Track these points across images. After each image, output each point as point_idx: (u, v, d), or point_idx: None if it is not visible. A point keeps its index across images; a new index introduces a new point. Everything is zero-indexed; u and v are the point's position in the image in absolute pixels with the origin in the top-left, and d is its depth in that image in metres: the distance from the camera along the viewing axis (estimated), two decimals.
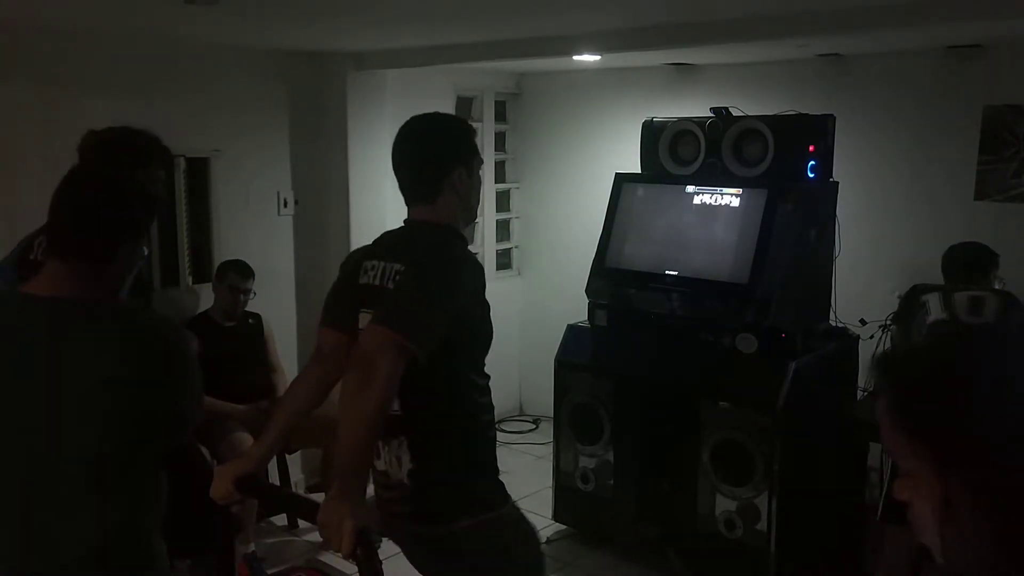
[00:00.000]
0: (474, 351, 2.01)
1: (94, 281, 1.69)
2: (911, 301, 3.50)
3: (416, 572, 2.16)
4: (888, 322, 3.91)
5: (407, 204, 2.06)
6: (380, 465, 2.01)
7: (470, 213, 2.10)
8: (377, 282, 1.99)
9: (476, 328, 1.99)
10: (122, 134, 2.57)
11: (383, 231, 2.18)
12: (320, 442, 4.01)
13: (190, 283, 4.09)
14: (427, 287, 1.89)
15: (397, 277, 1.93)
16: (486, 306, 1.99)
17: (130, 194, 1.77)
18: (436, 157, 2.01)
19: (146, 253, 1.90)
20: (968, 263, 3.47)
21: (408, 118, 2.09)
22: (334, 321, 2.07)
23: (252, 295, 3.98)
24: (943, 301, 3.36)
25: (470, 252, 2.04)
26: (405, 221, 2.08)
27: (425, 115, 2.09)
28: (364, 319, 1.99)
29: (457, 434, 2.01)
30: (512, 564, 2.08)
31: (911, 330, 3.48)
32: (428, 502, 1.99)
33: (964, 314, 3.30)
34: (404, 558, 2.15)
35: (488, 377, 2.05)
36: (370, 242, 2.16)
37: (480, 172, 2.10)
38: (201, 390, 1.82)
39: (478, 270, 1.99)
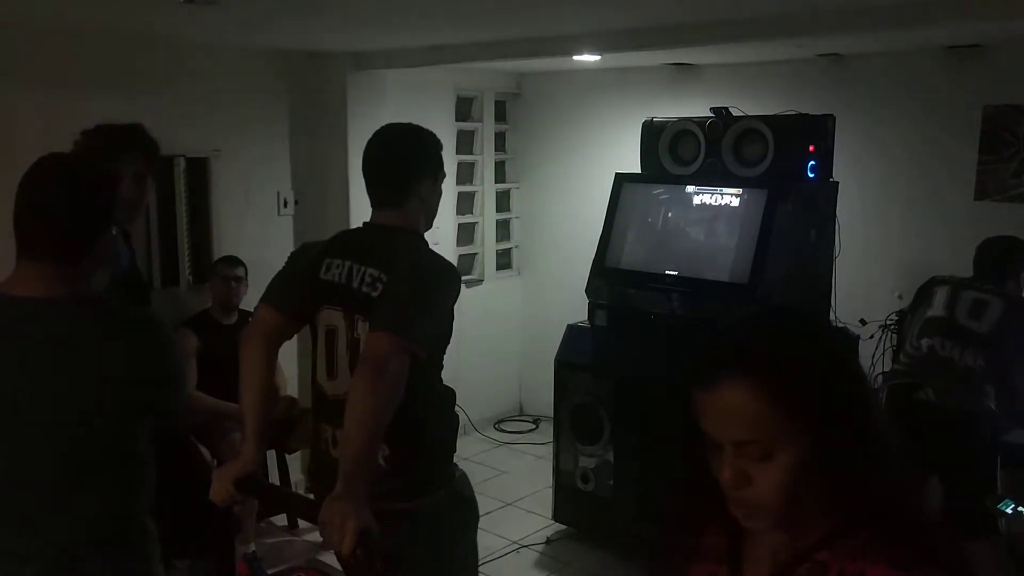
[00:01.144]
0: (439, 351, 2.11)
1: (74, 276, 1.72)
2: (924, 291, 3.48)
3: None
4: (888, 322, 3.92)
5: (373, 207, 2.16)
6: None
7: (430, 222, 2.22)
8: (344, 281, 2.06)
9: (445, 332, 2.10)
10: (103, 128, 2.59)
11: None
12: None
13: (190, 282, 4.09)
14: (420, 295, 1.97)
15: (379, 286, 2.00)
16: (452, 312, 2.10)
17: (101, 188, 1.78)
18: (407, 166, 2.13)
19: (114, 232, 1.94)
20: (996, 257, 3.41)
21: (380, 126, 2.20)
22: (278, 302, 2.13)
23: (245, 284, 3.98)
24: (948, 297, 3.34)
25: (444, 258, 2.14)
26: (368, 224, 2.17)
27: (399, 125, 2.21)
28: (327, 314, 2.09)
29: (425, 422, 2.08)
30: (472, 513, 2.23)
31: (912, 320, 3.47)
32: (405, 481, 2.05)
33: (963, 315, 3.29)
34: None
35: (442, 367, 2.16)
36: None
37: (442, 185, 2.22)
38: (185, 380, 1.88)
39: (456, 278, 2.11)
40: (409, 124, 2.20)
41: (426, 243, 2.15)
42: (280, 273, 2.20)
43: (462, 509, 2.19)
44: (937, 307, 3.35)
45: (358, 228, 2.21)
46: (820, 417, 0.98)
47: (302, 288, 2.12)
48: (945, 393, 3.20)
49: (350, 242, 2.17)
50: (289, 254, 2.26)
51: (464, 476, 2.24)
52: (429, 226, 2.21)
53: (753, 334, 1.07)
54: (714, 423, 1.01)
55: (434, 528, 2.08)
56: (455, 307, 2.10)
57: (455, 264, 2.25)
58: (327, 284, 2.08)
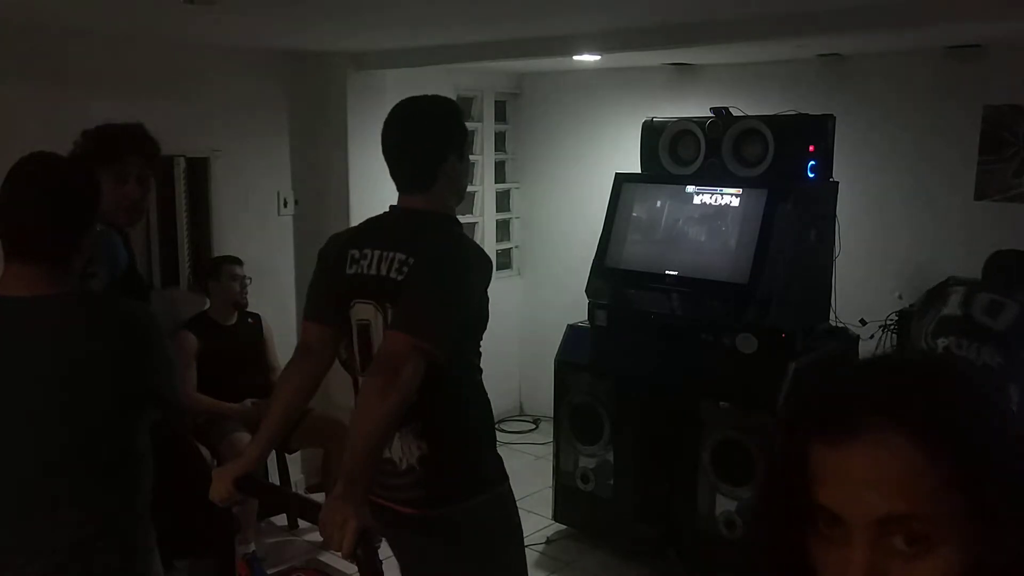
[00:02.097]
0: (477, 336, 2.05)
1: (62, 274, 1.73)
2: (939, 291, 3.46)
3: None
4: (888, 322, 3.91)
5: (399, 191, 2.05)
6: (385, 454, 1.98)
7: (461, 196, 2.12)
8: (373, 271, 1.97)
9: (482, 315, 2.03)
10: (105, 129, 2.59)
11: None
12: (320, 442, 4.01)
13: (190, 283, 4.09)
14: (444, 288, 1.90)
15: (405, 269, 1.92)
16: (486, 294, 2.03)
17: (83, 185, 1.78)
18: (431, 146, 2.01)
19: (99, 228, 1.95)
20: (1003, 267, 3.39)
21: (398, 101, 2.07)
22: (318, 314, 2.09)
23: (249, 280, 3.99)
24: (964, 297, 3.32)
25: (474, 242, 2.06)
26: (395, 208, 2.07)
27: (415, 100, 2.07)
28: (359, 308, 2.01)
29: (464, 416, 2.04)
30: (516, 539, 2.13)
31: (924, 321, 3.44)
32: (442, 484, 2.00)
33: (980, 314, 3.25)
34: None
35: (481, 355, 2.09)
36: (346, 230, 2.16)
37: (469, 153, 2.10)
38: (175, 370, 1.89)
39: (486, 262, 2.01)
40: (424, 99, 2.06)
41: (458, 225, 2.06)
42: (312, 281, 2.13)
43: (498, 519, 2.08)
44: (952, 306, 3.32)
45: (385, 213, 2.10)
46: (1002, 493, 0.69)
47: (332, 290, 2.05)
48: None
49: (376, 229, 2.07)
50: (318, 252, 2.16)
51: (511, 493, 2.11)
52: (461, 200, 2.12)
53: (907, 374, 0.77)
54: (848, 491, 0.71)
55: (475, 537, 2.02)
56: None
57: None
58: (355, 278, 2.00)
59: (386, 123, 2.04)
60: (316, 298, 2.10)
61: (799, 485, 0.74)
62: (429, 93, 2.11)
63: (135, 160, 2.59)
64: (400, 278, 1.92)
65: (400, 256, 1.93)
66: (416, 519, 2.01)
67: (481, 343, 2.08)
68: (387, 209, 2.10)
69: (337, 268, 2.04)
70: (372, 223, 2.12)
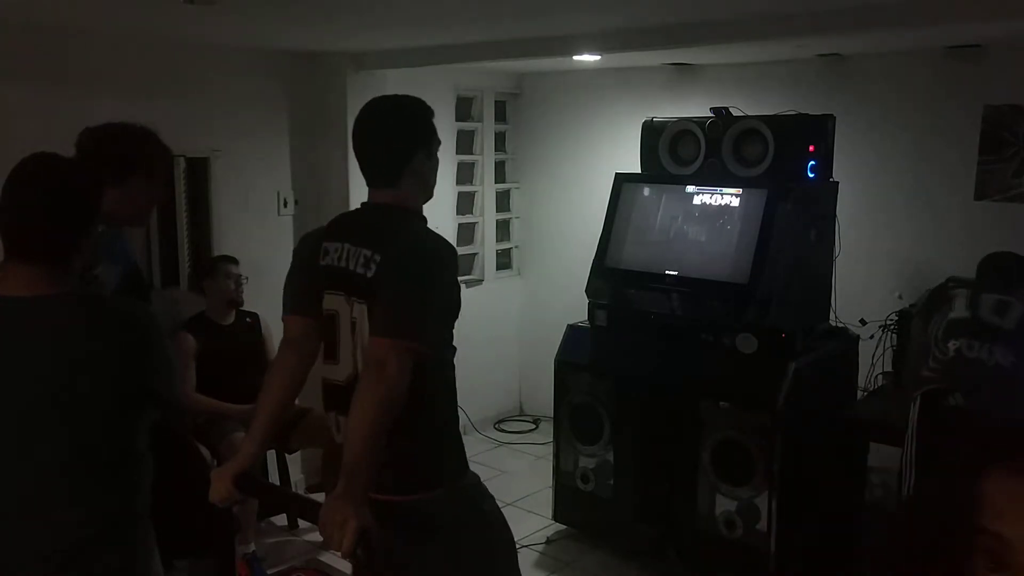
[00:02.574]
0: (448, 328, 2.08)
1: (63, 275, 1.73)
2: (941, 293, 3.44)
3: None
4: (888, 322, 3.91)
5: (368, 186, 2.11)
6: None
7: (428, 193, 2.16)
8: (343, 264, 2.02)
9: (453, 307, 2.06)
10: (115, 131, 2.58)
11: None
12: (320, 442, 4.01)
13: (190, 283, 4.09)
14: (415, 286, 1.94)
15: (373, 266, 1.96)
16: (457, 284, 2.07)
17: (86, 187, 1.79)
18: (398, 143, 2.06)
19: (100, 230, 1.96)
20: (1000, 268, 3.37)
21: (368, 100, 2.13)
22: (298, 307, 2.13)
23: (245, 279, 3.99)
24: (969, 299, 3.31)
25: (441, 237, 2.09)
26: (365, 204, 2.13)
27: (385, 99, 2.14)
28: (331, 299, 2.06)
29: (431, 409, 2.06)
30: (490, 532, 2.15)
31: (930, 325, 3.43)
32: (405, 474, 2.02)
33: (988, 314, 3.24)
34: None
35: (455, 350, 2.11)
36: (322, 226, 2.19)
37: (438, 152, 2.15)
38: (175, 370, 1.89)
39: (453, 255, 2.06)
40: (396, 97, 2.14)
41: (422, 220, 2.11)
42: (288, 277, 2.19)
43: (468, 515, 2.11)
44: (959, 309, 3.30)
45: (355, 209, 2.18)
46: None
47: (307, 282, 2.11)
48: (974, 397, 3.15)
49: (346, 224, 2.14)
50: (293, 251, 2.23)
51: (478, 484, 2.16)
52: (428, 197, 2.16)
53: None
54: None
55: (431, 530, 2.05)
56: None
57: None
58: (326, 269, 2.06)
59: (356, 120, 2.10)
60: (294, 292, 2.16)
61: (964, 519, 0.66)
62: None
63: (150, 161, 2.59)
64: (369, 275, 1.96)
65: (366, 252, 1.98)
66: (381, 505, 2.01)
67: (454, 333, 2.11)
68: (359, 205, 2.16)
69: (312, 261, 2.10)
70: (343, 218, 2.19)
